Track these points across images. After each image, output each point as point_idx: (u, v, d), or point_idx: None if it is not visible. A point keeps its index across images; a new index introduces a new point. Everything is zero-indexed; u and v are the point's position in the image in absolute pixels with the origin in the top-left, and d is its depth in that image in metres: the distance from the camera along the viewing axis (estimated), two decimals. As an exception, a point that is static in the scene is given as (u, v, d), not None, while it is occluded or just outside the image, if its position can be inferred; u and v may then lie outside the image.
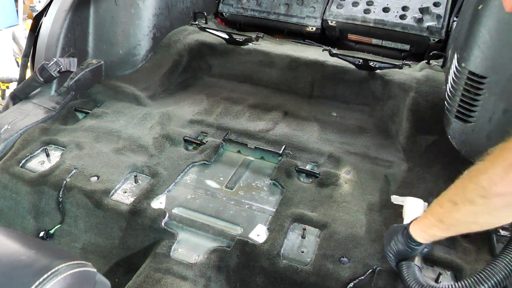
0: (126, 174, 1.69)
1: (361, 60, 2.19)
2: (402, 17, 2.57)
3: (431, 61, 2.29)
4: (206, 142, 1.89)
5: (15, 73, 3.00)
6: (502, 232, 1.44)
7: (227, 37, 2.42)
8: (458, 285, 1.03)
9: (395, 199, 1.56)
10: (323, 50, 2.30)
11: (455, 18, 2.45)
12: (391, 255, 1.24)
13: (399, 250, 1.22)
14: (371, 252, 1.38)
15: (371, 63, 2.17)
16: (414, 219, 1.21)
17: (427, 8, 2.52)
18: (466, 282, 1.02)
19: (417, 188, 1.68)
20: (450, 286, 1.05)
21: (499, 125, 1.64)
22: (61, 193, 1.60)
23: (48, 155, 1.76)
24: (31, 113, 1.97)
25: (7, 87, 3.67)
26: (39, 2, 5.41)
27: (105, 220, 1.56)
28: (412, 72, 2.19)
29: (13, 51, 4.23)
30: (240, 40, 2.41)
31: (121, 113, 2.07)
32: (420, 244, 1.18)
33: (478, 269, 1.31)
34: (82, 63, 2.26)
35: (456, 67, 1.75)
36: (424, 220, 1.15)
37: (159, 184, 1.65)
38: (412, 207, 1.46)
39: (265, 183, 1.73)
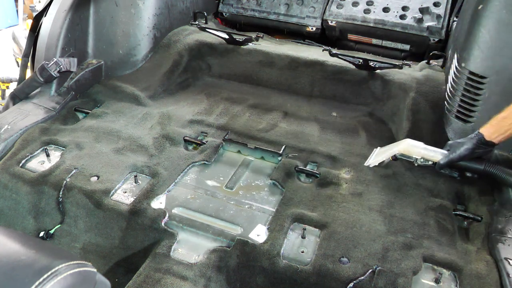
0: (126, 174, 1.69)
1: (361, 60, 2.19)
2: (402, 17, 2.57)
3: (431, 61, 2.29)
4: (206, 142, 1.89)
5: (15, 73, 3.00)
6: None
7: (227, 37, 2.42)
8: None
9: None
10: (323, 50, 2.30)
11: (455, 18, 2.45)
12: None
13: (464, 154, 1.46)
14: (371, 252, 1.38)
15: (371, 63, 2.17)
16: (484, 127, 1.45)
17: (427, 8, 2.52)
18: None
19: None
20: None
21: (499, 125, 1.64)
22: (61, 193, 1.60)
23: (48, 155, 1.76)
24: (31, 113, 1.97)
25: (7, 87, 3.67)
26: (39, 2, 5.40)
27: (105, 220, 1.56)
28: (412, 72, 2.19)
29: (13, 51, 4.22)
30: (240, 40, 2.41)
31: (121, 113, 2.07)
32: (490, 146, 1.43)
33: (478, 269, 1.32)
34: (82, 63, 2.26)
35: (456, 67, 1.75)
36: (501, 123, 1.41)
37: (159, 184, 1.65)
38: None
39: (265, 183, 1.73)
